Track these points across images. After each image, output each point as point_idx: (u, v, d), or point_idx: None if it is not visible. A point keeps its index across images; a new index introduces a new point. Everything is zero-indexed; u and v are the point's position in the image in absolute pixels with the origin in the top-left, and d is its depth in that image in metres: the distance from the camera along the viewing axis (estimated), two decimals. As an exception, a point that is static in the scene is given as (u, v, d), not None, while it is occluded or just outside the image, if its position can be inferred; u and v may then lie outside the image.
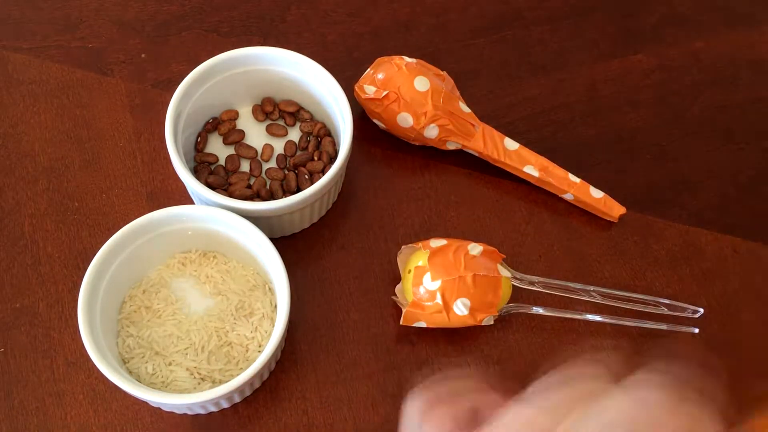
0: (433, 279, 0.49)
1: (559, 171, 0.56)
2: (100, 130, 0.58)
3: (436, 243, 0.51)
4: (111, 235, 0.48)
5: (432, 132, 0.55)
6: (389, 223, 0.56)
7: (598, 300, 0.53)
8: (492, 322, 0.51)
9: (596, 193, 0.56)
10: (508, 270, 0.52)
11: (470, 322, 0.50)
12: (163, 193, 0.56)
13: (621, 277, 0.55)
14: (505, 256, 0.52)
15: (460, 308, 0.49)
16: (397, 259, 0.53)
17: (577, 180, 0.56)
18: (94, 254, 0.47)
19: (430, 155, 0.58)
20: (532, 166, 0.56)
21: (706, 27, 0.65)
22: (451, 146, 0.57)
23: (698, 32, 0.65)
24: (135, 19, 0.63)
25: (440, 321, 0.50)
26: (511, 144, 0.57)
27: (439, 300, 0.49)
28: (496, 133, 0.57)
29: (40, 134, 0.58)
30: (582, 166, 0.57)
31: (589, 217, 0.57)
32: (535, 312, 0.52)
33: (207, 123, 0.56)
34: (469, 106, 0.57)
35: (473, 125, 0.56)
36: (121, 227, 0.48)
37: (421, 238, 0.55)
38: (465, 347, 0.52)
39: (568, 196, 0.57)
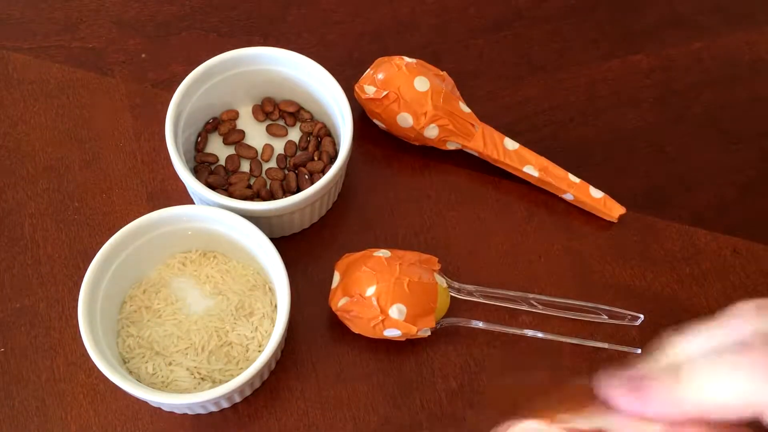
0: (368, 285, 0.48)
1: (558, 171, 0.56)
2: (100, 130, 0.58)
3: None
4: (111, 235, 0.48)
5: (432, 132, 0.55)
6: (389, 223, 0.56)
7: (539, 309, 0.53)
8: (429, 334, 0.51)
9: (596, 193, 0.56)
10: (445, 279, 0.52)
11: (407, 331, 0.49)
12: (163, 193, 0.56)
13: (620, 277, 0.55)
14: (441, 265, 0.52)
15: (395, 314, 0.48)
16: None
17: (577, 180, 0.56)
18: (95, 254, 0.47)
19: (430, 155, 0.58)
20: (532, 166, 0.56)
21: (706, 27, 0.65)
22: (451, 146, 0.57)
23: (698, 32, 0.65)
24: (135, 19, 0.63)
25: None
26: (511, 144, 0.57)
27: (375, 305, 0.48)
28: (496, 133, 0.57)
29: (40, 134, 0.58)
30: (582, 166, 0.57)
31: (588, 217, 0.57)
32: (474, 326, 0.52)
33: (207, 123, 0.57)
34: (469, 106, 0.57)
35: (473, 125, 0.56)
36: (121, 227, 0.48)
37: (421, 239, 0.55)
38: (462, 350, 0.52)
39: (567, 196, 0.57)
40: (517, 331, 0.52)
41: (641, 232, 0.57)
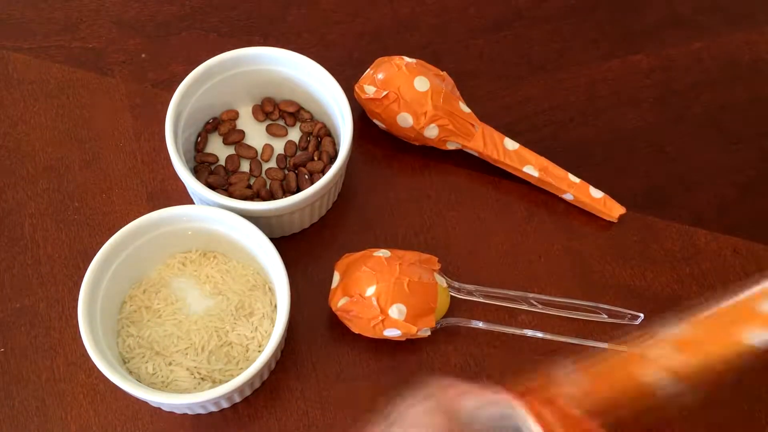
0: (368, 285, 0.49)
1: (558, 171, 0.56)
2: (100, 130, 0.58)
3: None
4: (111, 235, 0.48)
5: (432, 132, 0.55)
6: (389, 223, 0.56)
7: (539, 308, 0.53)
8: (428, 334, 0.51)
9: (596, 193, 0.56)
10: (445, 278, 0.52)
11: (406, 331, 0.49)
12: (163, 193, 0.56)
13: (621, 277, 0.55)
14: (441, 265, 0.52)
15: (396, 314, 0.48)
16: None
17: (577, 180, 0.56)
18: (95, 254, 0.47)
19: (430, 155, 0.58)
20: (532, 166, 0.56)
21: (706, 27, 0.65)
22: (451, 146, 0.57)
23: (698, 32, 0.65)
24: (135, 19, 0.63)
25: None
26: (511, 144, 0.57)
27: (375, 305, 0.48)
28: (496, 133, 0.57)
29: (40, 134, 0.58)
30: (582, 166, 0.57)
31: (588, 217, 0.57)
32: (474, 326, 0.52)
33: (207, 123, 0.57)
34: (469, 106, 0.57)
35: (473, 125, 0.56)
36: (121, 227, 0.48)
37: (421, 239, 0.56)
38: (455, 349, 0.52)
39: (567, 196, 0.57)
40: (517, 331, 0.52)
41: (641, 232, 0.57)
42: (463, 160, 0.58)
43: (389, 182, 0.58)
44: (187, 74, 0.53)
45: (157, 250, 0.50)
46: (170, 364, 0.48)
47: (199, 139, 0.56)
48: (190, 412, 0.49)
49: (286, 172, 0.55)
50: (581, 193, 0.56)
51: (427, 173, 0.58)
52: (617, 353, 0.32)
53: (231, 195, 0.53)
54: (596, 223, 0.57)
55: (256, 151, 0.56)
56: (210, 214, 0.50)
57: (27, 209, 0.55)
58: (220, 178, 0.54)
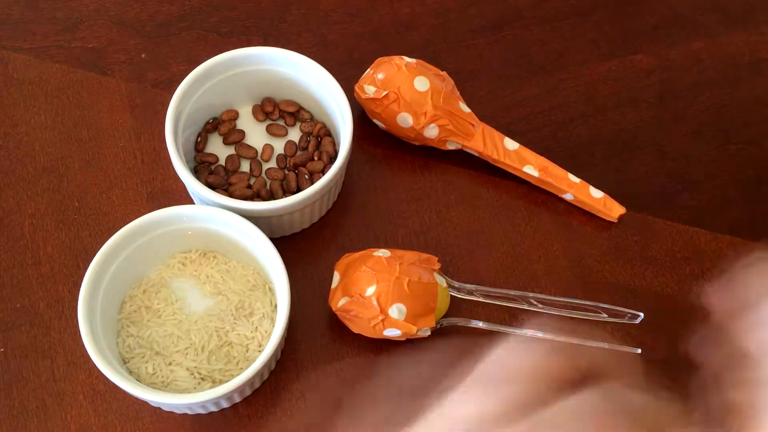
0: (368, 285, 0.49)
1: (558, 171, 0.56)
2: (100, 130, 0.58)
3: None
4: (111, 235, 0.48)
5: (432, 132, 0.55)
6: (389, 223, 0.56)
7: (539, 308, 0.53)
8: (428, 334, 0.51)
9: (596, 193, 0.56)
10: (445, 278, 0.52)
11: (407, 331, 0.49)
12: (163, 193, 0.56)
13: (621, 276, 0.55)
14: (440, 265, 0.52)
15: (396, 314, 0.48)
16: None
17: (577, 180, 0.56)
18: (95, 254, 0.47)
19: (430, 155, 0.58)
20: (532, 166, 0.56)
21: (706, 27, 0.65)
22: (451, 146, 0.57)
23: (698, 32, 0.65)
24: (135, 19, 0.63)
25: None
26: (511, 144, 0.57)
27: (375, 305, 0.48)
28: (496, 133, 0.57)
29: (40, 134, 0.58)
30: (582, 166, 0.57)
31: (588, 217, 0.57)
32: (474, 325, 0.52)
33: (207, 123, 0.57)
34: (469, 106, 0.57)
35: (473, 125, 0.56)
36: (121, 227, 0.48)
37: (421, 239, 0.56)
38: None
39: (567, 196, 0.57)
40: (517, 331, 0.52)
41: (641, 232, 0.57)
42: (463, 160, 0.58)
43: (389, 182, 0.57)
44: (187, 74, 0.53)
45: (157, 250, 0.50)
46: (170, 364, 0.48)
47: (199, 139, 0.56)
48: (190, 412, 0.49)
49: (286, 172, 0.55)
50: (581, 193, 0.56)
51: (427, 173, 0.58)
52: None
53: (231, 195, 0.53)
54: (596, 223, 0.57)
55: (256, 151, 0.56)
56: (210, 214, 0.50)
57: (27, 209, 0.55)
58: (220, 178, 0.54)
